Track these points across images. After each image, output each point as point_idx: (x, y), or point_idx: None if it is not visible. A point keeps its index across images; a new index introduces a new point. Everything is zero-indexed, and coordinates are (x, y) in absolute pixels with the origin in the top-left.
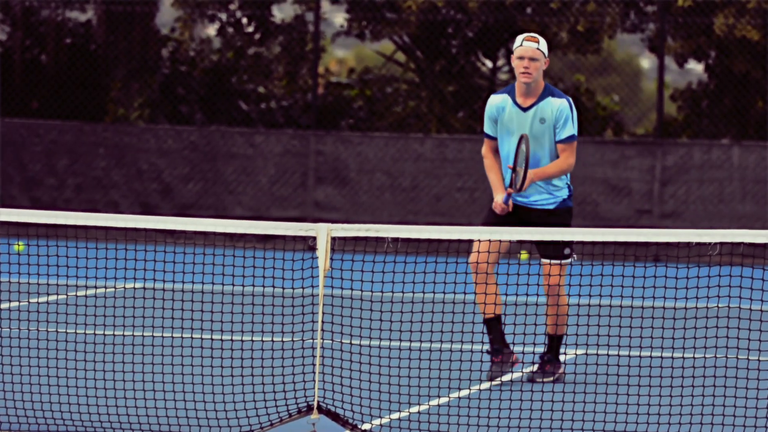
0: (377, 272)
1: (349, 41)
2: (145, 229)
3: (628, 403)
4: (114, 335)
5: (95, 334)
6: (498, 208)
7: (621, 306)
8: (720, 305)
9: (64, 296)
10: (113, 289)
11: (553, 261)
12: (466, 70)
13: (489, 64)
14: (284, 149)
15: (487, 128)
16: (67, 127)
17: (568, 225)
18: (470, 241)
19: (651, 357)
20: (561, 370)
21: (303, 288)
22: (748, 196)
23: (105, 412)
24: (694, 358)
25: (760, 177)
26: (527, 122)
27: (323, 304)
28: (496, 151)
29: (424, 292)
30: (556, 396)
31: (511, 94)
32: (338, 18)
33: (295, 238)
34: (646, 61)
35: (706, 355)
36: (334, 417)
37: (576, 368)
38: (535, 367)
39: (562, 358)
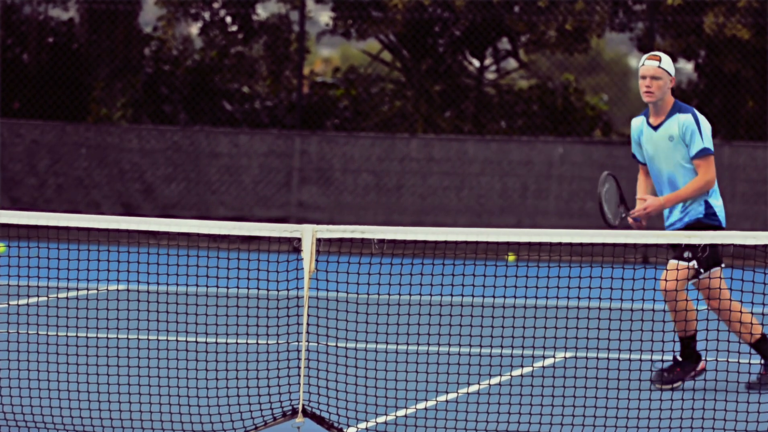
0: (363, 274)
1: (335, 40)
2: (128, 230)
3: (617, 407)
4: (97, 338)
5: (77, 337)
6: (632, 224)
7: (610, 308)
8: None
9: (45, 298)
10: (95, 291)
11: (680, 262)
12: (453, 70)
13: (476, 63)
14: (268, 149)
15: (635, 151)
16: (48, 127)
17: (698, 244)
18: (456, 243)
19: (641, 360)
20: (683, 377)
21: (288, 290)
22: (738, 196)
23: (87, 415)
24: None
25: (750, 177)
26: (659, 141)
27: (308, 306)
28: (648, 174)
29: (410, 294)
30: (545, 400)
31: (646, 114)
32: (323, 16)
33: (279, 239)
34: (635, 61)
35: None
36: (319, 420)
37: (565, 372)
38: (660, 369)
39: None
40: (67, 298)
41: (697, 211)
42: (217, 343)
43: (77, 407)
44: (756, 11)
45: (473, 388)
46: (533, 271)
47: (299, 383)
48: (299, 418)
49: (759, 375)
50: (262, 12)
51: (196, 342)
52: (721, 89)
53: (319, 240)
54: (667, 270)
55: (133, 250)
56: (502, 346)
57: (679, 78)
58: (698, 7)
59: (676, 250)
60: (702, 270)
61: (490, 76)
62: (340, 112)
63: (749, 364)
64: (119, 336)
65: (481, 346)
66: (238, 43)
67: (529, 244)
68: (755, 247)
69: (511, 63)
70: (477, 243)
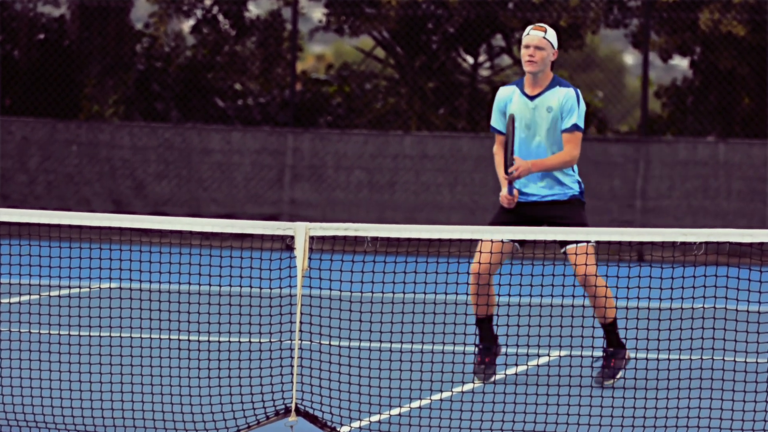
0: (356, 272)
1: (328, 37)
2: (120, 228)
3: (613, 406)
4: (90, 336)
5: (69, 335)
6: (504, 201)
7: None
8: (705, 306)
9: (37, 296)
10: (87, 289)
11: (579, 246)
12: (447, 67)
13: (470, 60)
14: (261, 147)
15: (495, 122)
16: (39, 124)
17: (581, 214)
18: (450, 240)
19: (636, 359)
20: (627, 355)
21: (281, 288)
22: (734, 194)
23: (79, 414)
24: (679, 359)
25: (746, 174)
26: (532, 111)
27: (301, 305)
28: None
29: (404, 293)
30: (539, 398)
31: (520, 85)
32: (316, 13)
33: (272, 237)
34: (630, 57)
35: (692, 357)
36: (312, 419)
37: (560, 370)
38: (599, 366)
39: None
40: (59, 296)
41: (574, 189)
42: (209, 341)
43: (69, 406)
44: (752, 8)
45: (467, 386)
46: (527, 269)
47: (292, 382)
48: (292, 417)
49: (601, 369)
50: (254, 9)
51: (189, 340)
52: (717, 86)
53: (312, 238)
54: (576, 265)
55: (125, 248)
56: (507, 345)
57: (675, 75)
58: (694, 4)
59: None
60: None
61: (484, 72)
62: (333, 109)
63: (745, 362)
64: (111, 335)
65: (475, 345)
66: (231, 40)
67: (523, 241)
68: (751, 245)
69: (506, 60)
70: (471, 240)
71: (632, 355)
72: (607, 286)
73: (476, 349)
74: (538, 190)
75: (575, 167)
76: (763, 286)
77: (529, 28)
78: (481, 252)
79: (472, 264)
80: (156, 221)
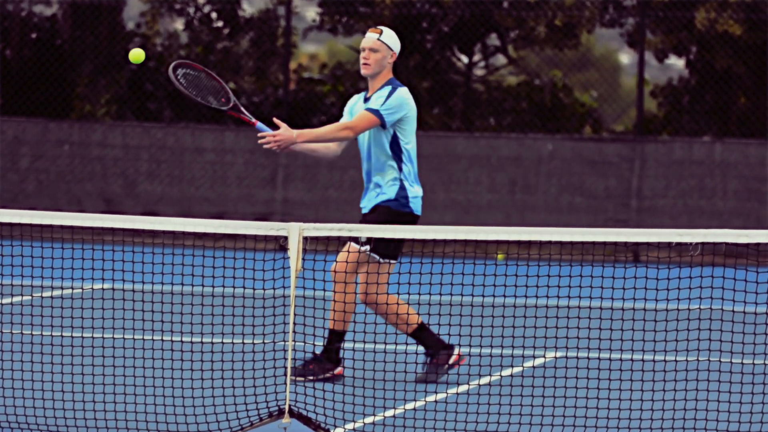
0: (350, 273)
1: (322, 36)
2: (112, 229)
3: (609, 408)
4: (82, 337)
5: (62, 336)
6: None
7: (600, 308)
8: (701, 306)
9: (29, 297)
10: (80, 290)
11: (354, 244)
12: (441, 66)
13: (465, 59)
14: (254, 146)
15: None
16: (31, 123)
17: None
18: (444, 241)
19: (632, 360)
20: (456, 352)
21: (274, 288)
22: (730, 194)
23: (71, 416)
24: (675, 361)
25: (742, 174)
26: None
27: (295, 305)
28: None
29: (398, 293)
30: (535, 400)
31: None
32: (310, 12)
33: (266, 237)
34: (626, 57)
35: (688, 358)
36: (306, 421)
37: (556, 372)
38: (424, 367)
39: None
40: (51, 297)
41: (390, 192)
42: (202, 342)
43: (61, 407)
44: (748, 6)
45: (462, 388)
46: (522, 270)
47: (286, 383)
48: (286, 419)
49: (425, 365)
50: (248, 7)
51: (181, 342)
52: (713, 85)
53: (306, 238)
54: (342, 255)
55: (117, 249)
56: (491, 346)
57: (671, 74)
58: (689, 3)
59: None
60: (377, 257)
61: (479, 72)
62: (326, 109)
63: (741, 364)
64: (104, 336)
65: (470, 346)
66: (224, 39)
67: (519, 242)
68: (747, 245)
69: (500, 59)
70: (466, 241)
71: (626, 356)
72: (398, 302)
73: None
74: (364, 200)
75: (411, 167)
76: (760, 287)
77: (368, 31)
78: (337, 260)
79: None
80: (149, 221)
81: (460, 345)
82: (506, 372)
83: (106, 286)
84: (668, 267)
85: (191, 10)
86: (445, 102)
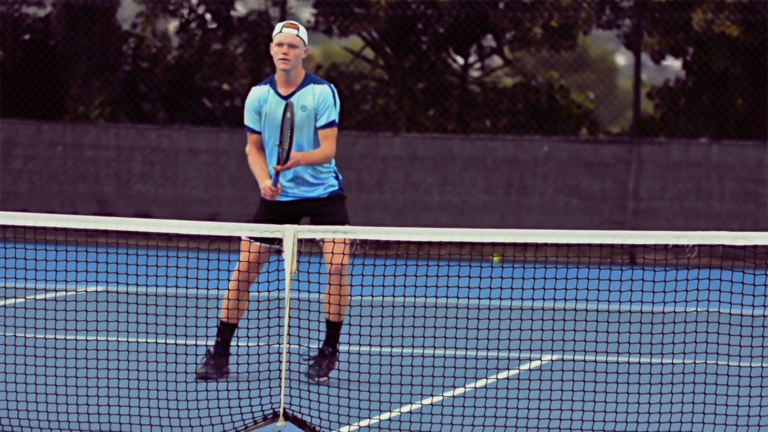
0: (344, 275)
1: (316, 37)
2: (106, 231)
3: (605, 411)
4: (76, 340)
5: (56, 339)
6: (268, 193)
7: (597, 310)
8: (698, 309)
9: (22, 300)
10: (74, 293)
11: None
12: (437, 67)
13: (460, 60)
14: None
15: (249, 121)
16: (24, 125)
17: (343, 211)
18: (440, 243)
19: (629, 363)
20: (336, 365)
21: (269, 291)
22: (727, 195)
23: (65, 419)
24: (672, 363)
25: (739, 176)
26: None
27: (290, 308)
28: (261, 147)
29: (394, 296)
30: (531, 403)
31: (272, 84)
32: (305, 13)
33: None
34: (622, 58)
35: (685, 361)
36: (301, 424)
37: (552, 374)
38: (311, 363)
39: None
40: (45, 299)
41: (332, 182)
42: (197, 345)
43: (54, 410)
44: (745, 7)
45: (458, 391)
46: (518, 272)
47: (280, 386)
48: (280, 422)
49: (316, 361)
50: (241, 8)
51: (176, 344)
52: (710, 87)
53: (300, 240)
54: (333, 254)
55: (111, 251)
56: (487, 349)
57: (667, 75)
58: (686, 4)
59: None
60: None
61: (475, 73)
62: None
63: (739, 366)
64: (98, 338)
65: (466, 348)
66: (218, 40)
67: (515, 244)
68: (744, 247)
69: (496, 60)
70: (462, 243)
71: (622, 359)
72: (350, 285)
73: (212, 349)
74: (292, 190)
75: (333, 161)
76: (757, 290)
77: (280, 25)
78: (249, 252)
79: (240, 263)
80: (143, 223)
81: (456, 347)
82: (502, 375)
83: (100, 288)
84: (665, 269)
85: (185, 11)
86: (441, 103)
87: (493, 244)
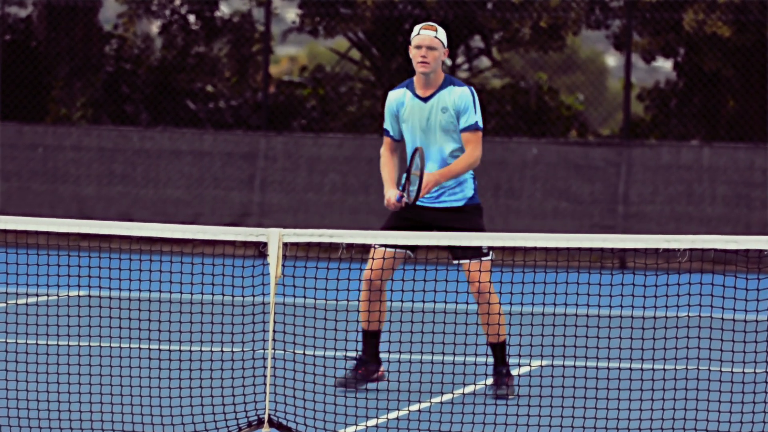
0: (331, 279)
1: (302, 38)
2: (88, 234)
3: (596, 417)
4: (58, 345)
5: (37, 344)
6: (390, 205)
7: (587, 315)
8: (689, 314)
9: (4, 304)
10: (55, 297)
11: (473, 261)
12: None
13: (448, 61)
14: (233, 150)
15: (387, 125)
16: (5, 127)
17: (479, 223)
18: (427, 247)
19: (620, 368)
20: (513, 381)
21: (253, 295)
22: (719, 199)
23: (47, 425)
24: (664, 369)
25: (731, 179)
26: (427, 113)
27: (275, 313)
28: (394, 151)
29: (391, 300)
30: (521, 410)
31: (410, 86)
32: (290, 14)
33: (245, 243)
34: (612, 59)
35: (676, 367)
36: (286, 431)
37: (541, 380)
38: (490, 381)
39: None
40: (26, 304)
41: (469, 189)
42: (180, 350)
43: (36, 416)
44: (737, 8)
45: (446, 397)
46: (507, 277)
47: (265, 392)
48: (265, 429)
49: (502, 383)
50: (225, 9)
51: (159, 350)
52: (701, 88)
53: (285, 244)
54: (469, 277)
55: (93, 255)
56: (476, 354)
57: (658, 77)
58: (677, 4)
59: (467, 248)
60: (493, 254)
61: (463, 74)
62: (307, 112)
63: (731, 372)
64: (80, 344)
65: (454, 354)
66: (201, 41)
67: (503, 248)
68: (736, 251)
69: (484, 61)
70: (449, 247)
71: (613, 365)
72: (500, 304)
73: (356, 358)
74: (435, 193)
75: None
76: (749, 294)
77: (418, 27)
78: (373, 258)
79: (364, 271)
80: (125, 227)
81: (444, 353)
82: (490, 381)
83: (81, 293)
84: (655, 273)
85: (168, 12)
86: None
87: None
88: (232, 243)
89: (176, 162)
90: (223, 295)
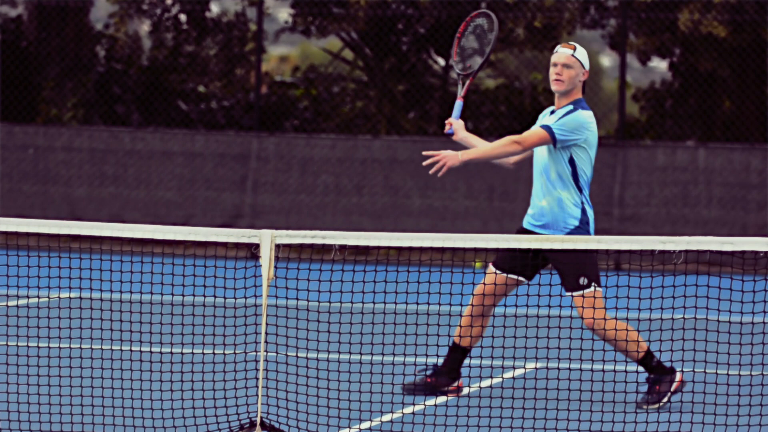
0: (324, 281)
1: (294, 38)
2: (79, 236)
3: (591, 420)
4: (49, 347)
5: (28, 346)
6: (447, 125)
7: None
8: (685, 316)
9: None
10: (46, 299)
11: (575, 293)
12: (418, 69)
13: (441, 61)
14: (225, 151)
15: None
16: None
17: (581, 256)
18: (420, 249)
19: (614, 371)
20: (677, 378)
21: (245, 297)
22: (714, 200)
23: (37, 428)
24: None
25: (727, 181)
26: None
27: (267, 315)
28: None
29: (374, 302)
30: (515, 412)
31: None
32: (282, 13)
33: (237, 244)
34: (607, 59)
35: None
36: None
37: (536, 383)
38: (644, 390)
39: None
40: (17, 306)
41: (574, 222)
42: (172, 353)
43: (27, 419)
44: (733, 8)
45: (439, 399)
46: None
47: (257, 395)
48: (257, 431)
49: (649, 391)
50: (216, 9)
51: (150, 352)
52: (697, 89)
53: (278, 246)
54: (584, 307)
55: (84, 257)
56: (470, 356)
57: (653, 77)
58: (673, 4)
59: (568, 280)
60: (595, 286)
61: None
62: (299, 113)
63: (727, 375)
64: (71, 346)
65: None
66: (193, 41)
67: (497, 249)
68: (732, 253)
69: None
70: (443, 249)
71: (608, 367)
72: (617, 326)
73: (432, 365)
74: (531, 217)
75: (585, 194)
76: (744, 296)
77: (558, 46)
78: (486, 283)
79: (477, 285)
80: (117, 229)
81: (438, 355)
82: (485, 383)
83: (73, 294)
84: (651, 275)
85: (159, 12)
86: (422, 105)
87: (475, 250)
88: (224, 244)
89: (168, 163)
90: (215, 296)
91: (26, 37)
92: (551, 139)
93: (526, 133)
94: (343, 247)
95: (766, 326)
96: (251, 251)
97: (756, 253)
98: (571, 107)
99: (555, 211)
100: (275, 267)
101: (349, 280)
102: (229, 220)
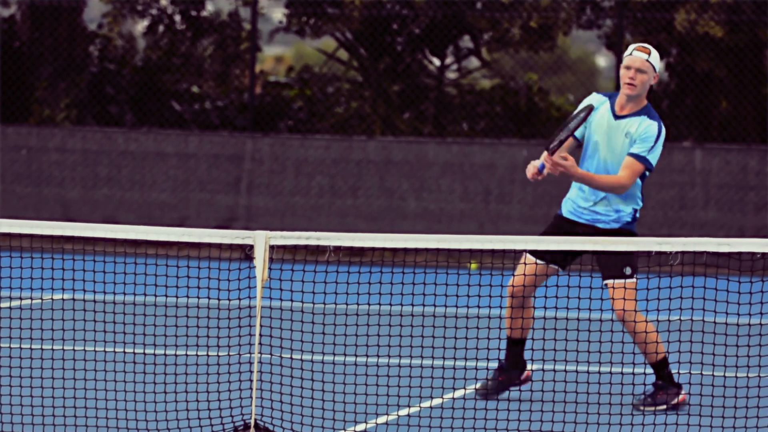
0: (318, 282)
1: (288, 38)
2: (72, 237)
3: (587, 422)
4: (42, 349)
5: (21, 348)
6: (529, 171)
7: (578, 319)
8: (682, 318)
9: None
10: (39, 301)
11: (616, 281)
12: (413, 69)
13: (436, 62)
14: (219, 152)
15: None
16: None
17: (630, 260)
18: (415, 250)
19: (611, 373)
20: (682, 395)
21: (239, 299)
22: (711, 202)
23: (30, 431)
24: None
25: (723, 182)
26: (613, 132)
27: (261, 316)
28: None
29: (369, 304)
30: (511, 414)
31: (612, 99)
32: (276, 13)
33: (231, 246)
34: (603, 59)
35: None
36: None
37: (532, 385)
38: (645, 392)
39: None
40: (9, 307)
41: (627, 215)
42: (165, 354)
43: (19, 422)
44: (729, 7)
45: (435, 401)
46: (497, 280)
47: (251, 397)
48: None
49: (650, 395)
50: (211, 8)
51: (144, 353)
52: (693, 89)
53: (272, 247)
54: (613, 299)
55: (77, 257)
56: (465, 358)
57: None
58: (669, 4)
59: (611, 267)
60: (637, 277)
61: (451, 75)
62: (294, 113)
63: (724, 377)
64: (64, 347)
65: (444, 358)
66: (187, 41)
67: (493, 251)
68: (729, 254)
69: (473, 62)
70: (438, 250)
71: (604, 369)
72: (647, 322)
73: (498, 365)
74: (589, 211)
75: (638, 200)
76: (742, 297)
77: (632, 47)
78: (520, 273)
79: (510, 278)
80: (110, 230)
81: (433, 357)
82: (480, 385)
83: (66, 296)
84: (647, 277)
85: (153, 11)
86: (417, 106)
87: (471, 251)
88: (218, 246)
89: (161, 164)
90: (209, 298)
91: (19, 37)
92: (648, 169)
93: (627, 174)
94: (337, 249)
95: (763, 328)
96: (245, 252)
97: (753, 254)
98: (646, 119)
99: (612, 207)
100: (269, 268)
101: (344, 282)
102: (223, 221)
